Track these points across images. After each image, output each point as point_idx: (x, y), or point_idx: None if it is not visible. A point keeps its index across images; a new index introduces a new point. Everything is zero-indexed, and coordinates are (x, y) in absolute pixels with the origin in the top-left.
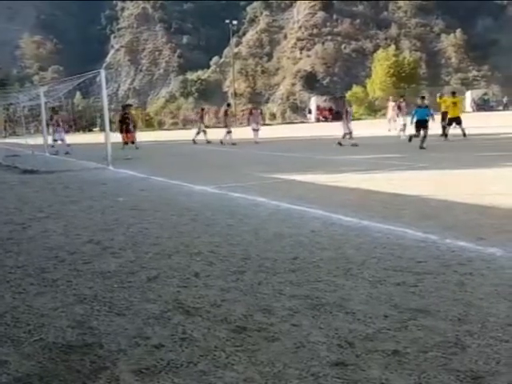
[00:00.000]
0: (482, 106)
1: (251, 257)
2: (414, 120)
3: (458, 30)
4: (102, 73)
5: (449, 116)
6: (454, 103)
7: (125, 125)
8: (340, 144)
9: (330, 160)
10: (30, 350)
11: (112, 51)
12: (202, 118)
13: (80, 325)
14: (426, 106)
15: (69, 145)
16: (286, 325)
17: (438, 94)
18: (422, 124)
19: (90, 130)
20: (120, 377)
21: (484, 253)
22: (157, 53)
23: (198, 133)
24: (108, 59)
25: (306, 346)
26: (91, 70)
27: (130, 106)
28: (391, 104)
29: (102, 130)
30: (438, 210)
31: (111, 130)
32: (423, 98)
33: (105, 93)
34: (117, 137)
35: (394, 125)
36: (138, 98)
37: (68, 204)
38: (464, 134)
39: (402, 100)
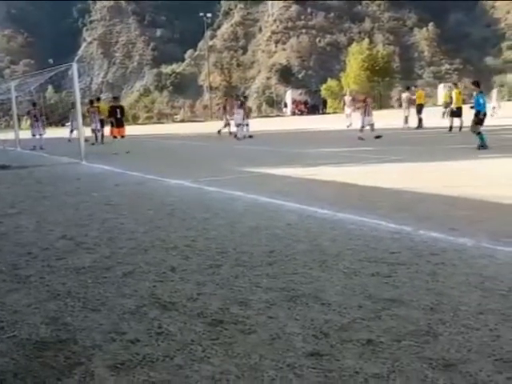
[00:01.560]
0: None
1: (227, 251)
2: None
3: (431, 24)
4: (74, 66)
5: (455, 107)
6: (460, 94)
7: (114, 118)
8: (361, 138)
9: (306, 153)
10: (3, 347)
11: (84, 44)
12: (225, 109)
13: (54, 321)
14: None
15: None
16: (263, 317)
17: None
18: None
19: (63, 125)
20: (95, 372)
21: (456, 243)
22: (130, 46)
23: (225, 125)
24: (80, 52)
25: (282, 337)
26: (63, 63)
27: (116, 98)
28: (347, 99)
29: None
30: (411, 202)
31: (83, 124)
32: (476, 83)
33: (77, 86)
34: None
35: (350, 120)
36: (111, 92)
37: (40, 199)
38: (461, 127)
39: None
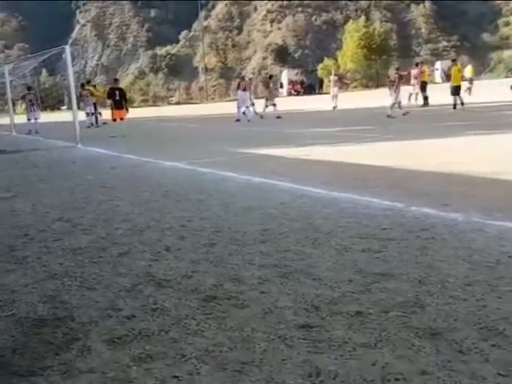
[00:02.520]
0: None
1: (222, 230)
2: None
3: (427, 1)
4: (67, 49)
5: (455, 84)
6: (459, 71)
7: (113, 100)
8: (390, 116)
9: (300, 134)
10: (2, 325)
11: (78, 27)
12: (267, 87)
13: (51, 299)
14: None
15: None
16: (255, 292)
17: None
18: None
19: (58, 109)
20: (92, 346)
21: (447, 218)
22: (124, 27)
23: (266, 106)
24: (74, 35)
25: (274, 311)
26: (57, 46)
27: (117, 80)
28: (333, 78)
29: (70, 108)
30: (404, 179)
31: (78, 107)
32: None
33: (71, 70)
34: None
35: (335, 101)
36: (106, 75)
37: (36, 183)
38: (462, 103)
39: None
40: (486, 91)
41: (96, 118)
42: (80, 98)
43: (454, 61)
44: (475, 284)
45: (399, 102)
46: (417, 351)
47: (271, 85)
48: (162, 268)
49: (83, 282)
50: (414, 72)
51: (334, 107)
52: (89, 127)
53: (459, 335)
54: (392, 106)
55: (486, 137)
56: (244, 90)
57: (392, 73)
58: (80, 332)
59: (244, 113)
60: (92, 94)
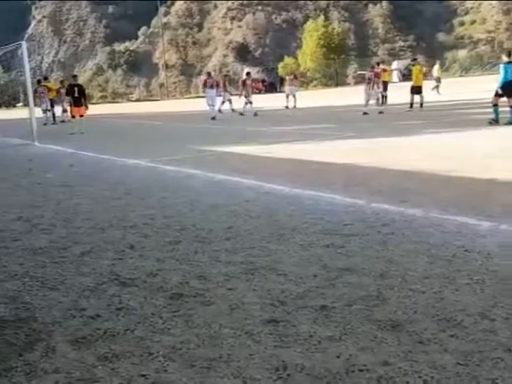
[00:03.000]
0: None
1: (186, 227)
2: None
3: (384, 1)
4: (24, 45)
5: (416, 84)
6: (420, 71)
7: (72, 97)
8: (365, 113)
9: (263, 131)
10: None
11: (34, 22)
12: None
13: (12, 300)
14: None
15: None
16: (222, 289)
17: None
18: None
19: (14, 106)
20: (56, 347)
21: (406, 214)
22: (81, 23)
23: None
24: (30, 31)
25: (241, 307)
26: (12, 42)
27: (76, 76)
28: (288, 77)
29: (26, 105)
30: (365, 176)
31: (35, 104)
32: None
33: (27, 66)
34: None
35: (294, 100)
36: (63, 71)
37: None
38: (421, 104)
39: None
40: (443, 90)
41: (53, 114)
42: (36, 94)
43: (414, 60)
44: (433, 277)
45: (377, 99)
46: (379, 343)
47: (248, 82)
48: (127, 267)
49: (45, 283)
50: (290, 77)
51: (287, 107)
52: (45, 124)
53: (419, 326)
54: (367, 104)
55: (443, 135)
56: (211, 87)
57: (367, 70)
58: (43, 333)
59: (220, 110)
60: (49, 91)
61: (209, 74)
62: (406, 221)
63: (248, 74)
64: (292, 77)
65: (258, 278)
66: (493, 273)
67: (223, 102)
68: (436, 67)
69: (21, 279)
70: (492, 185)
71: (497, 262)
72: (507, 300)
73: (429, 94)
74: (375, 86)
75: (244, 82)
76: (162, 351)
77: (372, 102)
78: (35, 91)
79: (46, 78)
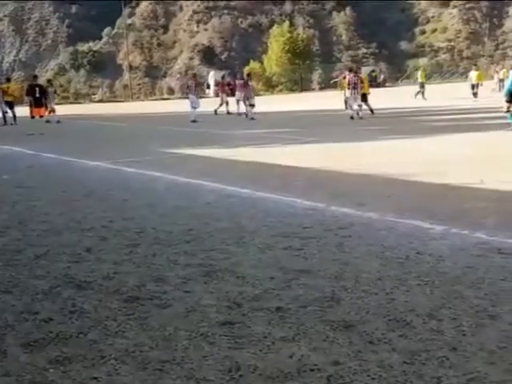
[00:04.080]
0: (370, 82)
1: (146, 230)
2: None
3: (348, 8)
4: None
5: (362, 91)
6: (365, 79)
7: (33, 97)
8: (352, 118)
9: (228, 134)
10: None
11: None
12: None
13: None
14: None
15: None
16: (179, 292)
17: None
18: None
19: None
20: (8, 351)
21: (363, 217)
22: (44, 23)
23: (221, 104)
24: None
25: (197, 309)
26: None
27: (36, 76)
28: (239, 83)
29: None
30: (326, 180)
31: None
32: None
33: None
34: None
35: (243, 106)
36: (24, 71)
37: None
38: (371, 110)
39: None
40: (404, 97)
41: (14, 115)
42: None
43: (354, 69)
44: (386, 279)
45: (360, 105)
46: (331, 343)
47: (250, 83)
48: (82, 270)
49: None
50: (240, 82)
51: (239, 114)
52: (4, 125)
53: (370, 327)
54: (351, 108)
55: (402, 141)
56: (195, 89)
57: (351, 75)
58: None
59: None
60: (4, 93)
61: (194, 75)
62: (362, 224)
63: (249, 74)
64: (242, 82)
65: (216, 281)
66: (442, 275)
67: (221, 105)
68: (419, 73)
69: None
70: (445, 190)
71: (447, 264)
72: (455, 301)
73: (411, 100)
74: (356, 91)
75: (245, 84)
76: (114, 354)
77: (355, 107)
78: None
79: (8, 80)
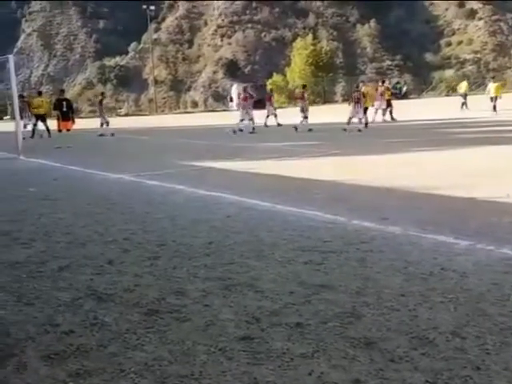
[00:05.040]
0: (396, 94)
1: (167, 243)
2: None
3: (372, 21)
4: (11, 59)
5: (365, 105)
6: (368, 92)
7: (60, 111)
8: (344, 129)
9: (248, 147)
10: None
11: (23, 36)
12: (269, 100)
13: None
14: None
15: None
16: (198, 305)
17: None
18: None
19: (1, 119)
20: (28, 363)
21: (385, 231)
22: (72, 37)
23: (268, 116)
24: (19, 44)
25: (216, 323)
26: (1, 55)
27: (63, 90)
28: (241, 96)
29: (14, 118)
30: (347, 193)
31: (21, 117)
32: None
33: (14, 79)
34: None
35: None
36: (52, 85)
37: None
38: (366, 124)
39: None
40: (430, 109)
41: (32, 129)
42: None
43: (363, 82)
44: (408, 295)
45: (360, 119)
46: (351, 360)
47: (305, 95)
48: (104, 282)
49: (20, 297)
50: (380, 89)
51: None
52: (31, 137)
53: (392, 344)
54: (349, 122)
55: (425, 153)
56: (245, 100)
57: (353, 90)
58: (16, 348)
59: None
60: (29, 106)
61: (245, 88)
62: (385, 238)
63: (304, 86)
64: (243, 96)
65: (235, 295)
66: (467, 291)
67: (267, 116)
68: (463, 84)
69: None
70: (471, 204)
71: (471, 280)
72: (479, 319)
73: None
74: (358, 106)
75: (302, 95)
76: (134, 368)
77: (355, 120)
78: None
79: (40, 93)
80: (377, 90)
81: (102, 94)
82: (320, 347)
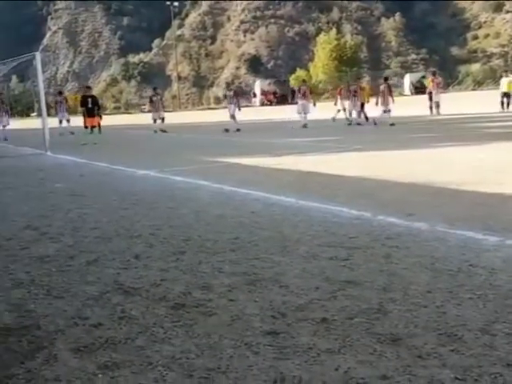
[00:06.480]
0: (420, 88)
1: (192, 238)
2: None
3: (397, 14)
4: (38, 56)
5: (361, 102)
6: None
7: (85, 108)
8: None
9: (272, 143)
10: None
11: (49, 33)
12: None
13: (17, 308)
14: None
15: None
16: (224, 300)
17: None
18: None
19: (28, 115)
20: (58, 355)
21: (411, 227)
22: (96, 34)
23: (338, 110)
24: (45, 41)
25: (242, 318)
26: (27, 52)
27: (89, 87)
28: (228, 94)
29: (40, 115)
30: (372, 189)
31: (48, 114)
32: None
33: (41, 77)
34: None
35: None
36: (77, 82)
37: (3, 191)
38: (366, 118)
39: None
40: (456, 104)
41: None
42: (56, 104)
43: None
44: (436, 291)
45: (358, 112)
46: (378, 356)
47: (385, 89)
48: (131, 276)
49: (50, 291)
50: (436, 81)
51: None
52: (62, 134)
53: (419, 341)
54: (350, 114)
55: (452, 148)
56: (304, 95)
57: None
58: (46, 340)
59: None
60: (66, 102)
61: (304, 80)
62: (411, 234)
63: (386, 78)
64: (232, 93)
65: (260, 290)
66: (496, 288)
67: (338, 111)
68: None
69: (26, 287)
70: (500, 199)
71: (501, 277)
72: (509, 315)
73: (460, 107)
74: (356, 99)
75: (384, 90)
76: (161, 361)
77: (354, 114)
78: (55, 101)
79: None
80: (432, 81)
81: (155, 89)
82: (346, 343)
